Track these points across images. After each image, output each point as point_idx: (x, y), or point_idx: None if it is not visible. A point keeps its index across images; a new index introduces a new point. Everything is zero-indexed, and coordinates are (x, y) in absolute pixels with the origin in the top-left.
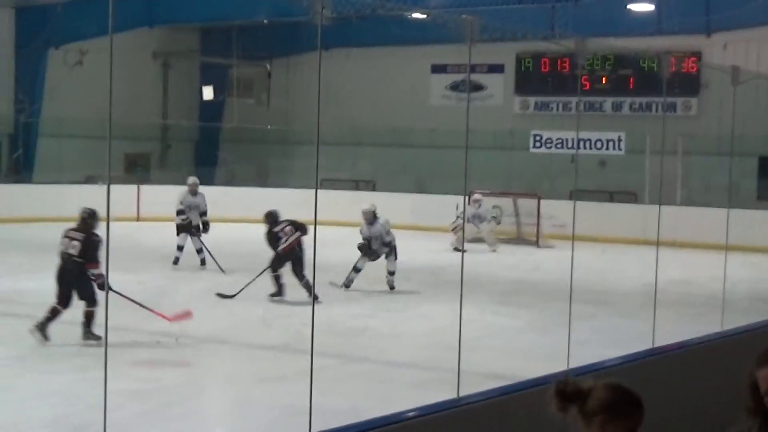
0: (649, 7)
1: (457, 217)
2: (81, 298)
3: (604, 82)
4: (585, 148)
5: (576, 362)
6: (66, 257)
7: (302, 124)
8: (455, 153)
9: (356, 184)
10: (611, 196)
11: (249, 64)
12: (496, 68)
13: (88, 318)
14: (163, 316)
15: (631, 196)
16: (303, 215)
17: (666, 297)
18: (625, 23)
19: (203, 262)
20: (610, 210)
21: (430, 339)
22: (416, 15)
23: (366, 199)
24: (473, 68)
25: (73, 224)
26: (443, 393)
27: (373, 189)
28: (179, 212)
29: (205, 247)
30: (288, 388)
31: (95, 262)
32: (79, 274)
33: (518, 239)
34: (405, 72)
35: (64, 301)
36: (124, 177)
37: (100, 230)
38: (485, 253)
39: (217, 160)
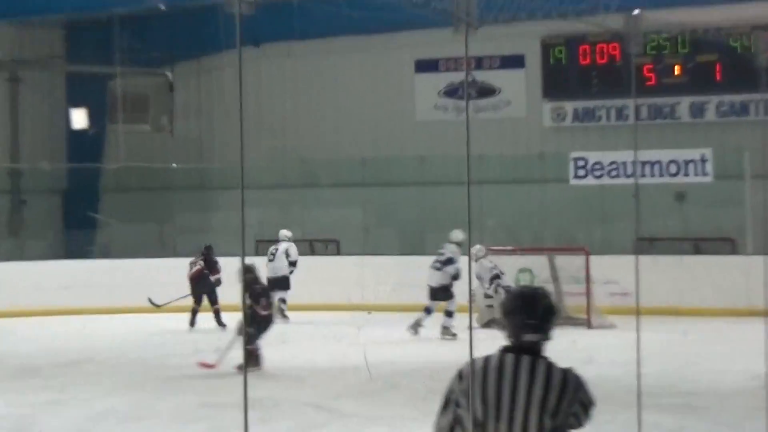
0: None
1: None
2: None
3: (676, 73)
4: (652, 174)
5: None
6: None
7: (224, 158)
8: (457, 191)
9: (311, 246)
10: (696, 246)
11: (140, 73)
12: (513, 62)
13: None
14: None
15: (726, 245)
16: (228, 298)
17: None
18: None
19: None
20: (694, 266)
21: None
22: None
23: (327, 266)
24: (479, 63)
25: None
26: None
27: (337, 252)
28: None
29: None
30: None
31: None
32: None
33: (559, 317)
34: (375, 73)
35: None
36: None
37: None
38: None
39: (96, 220)
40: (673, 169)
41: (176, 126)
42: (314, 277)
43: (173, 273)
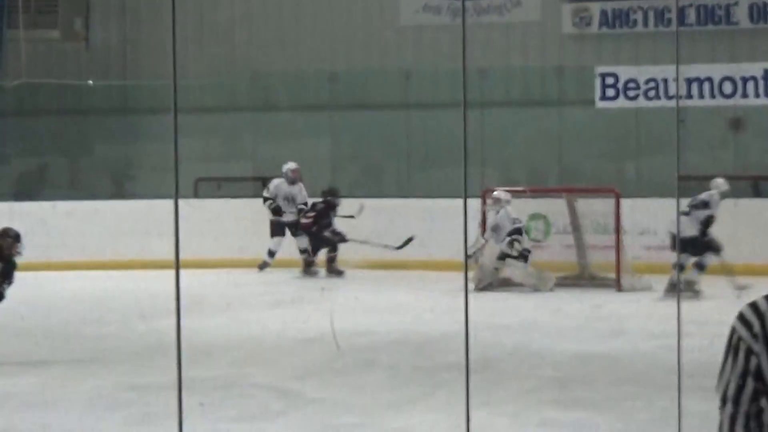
0: None
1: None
2: None
3: None
4: (700, 95)
5: None
6: None
7: (154, 74)
8: (450, 115)
9: (264, 186)
10: (755, 186)
11: None
12: None
13: None
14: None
15: None
16: (159, 249)
17: None
18: None
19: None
20: (752, 212)
21: None
22: None
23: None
24: None
25: None
26: None
27: None
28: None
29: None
30: None
31: None
32: None
33: (581, 276)
34: None
35: None
36: None
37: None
38: (526, 297)
39: None
40: (727, 88)
41: (92, 32)
42: (268, 225)
43: (89, 220)
